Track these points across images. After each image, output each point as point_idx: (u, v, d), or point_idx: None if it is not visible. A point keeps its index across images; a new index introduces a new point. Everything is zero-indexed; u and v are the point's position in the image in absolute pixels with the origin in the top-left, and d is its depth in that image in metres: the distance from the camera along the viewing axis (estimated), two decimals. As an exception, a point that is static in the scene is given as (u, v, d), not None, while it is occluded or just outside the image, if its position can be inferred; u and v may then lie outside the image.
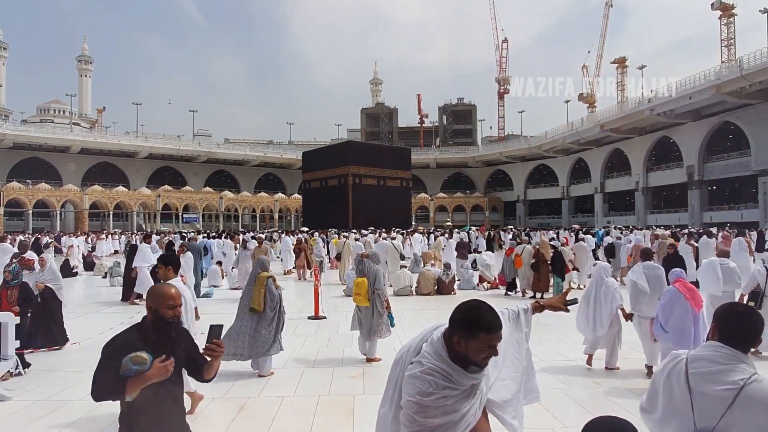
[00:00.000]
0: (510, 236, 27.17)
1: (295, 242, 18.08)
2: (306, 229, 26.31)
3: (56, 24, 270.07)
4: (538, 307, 2.63)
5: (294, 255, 17.63)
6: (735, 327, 2.01)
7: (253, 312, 6.06)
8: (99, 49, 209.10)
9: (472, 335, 1.87)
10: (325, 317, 9.61)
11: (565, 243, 16.02)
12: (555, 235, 23.37)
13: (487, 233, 31.73)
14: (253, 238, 19.37)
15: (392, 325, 7.04)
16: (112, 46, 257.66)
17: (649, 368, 6.02)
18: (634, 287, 6.17)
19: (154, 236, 18.30)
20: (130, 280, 11.75)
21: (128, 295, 11.82)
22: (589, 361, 6.44)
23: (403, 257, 16.24)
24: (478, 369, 1.94)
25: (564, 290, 2.67)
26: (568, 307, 2.69)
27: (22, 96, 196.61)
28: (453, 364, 1.89)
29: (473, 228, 38.17)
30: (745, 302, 6.37)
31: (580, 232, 23.42)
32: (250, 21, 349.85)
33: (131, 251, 12.17)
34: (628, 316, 6.23)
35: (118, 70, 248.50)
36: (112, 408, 4.83)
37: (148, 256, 11.60)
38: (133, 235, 24.60)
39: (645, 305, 6.10)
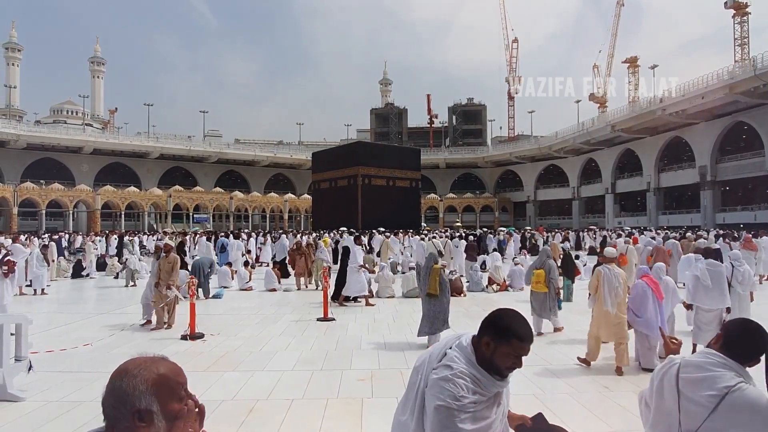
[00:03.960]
0: (613, 236, 26.57)
1: (294, 245, 16.82)
2: (344, 228, 26.17)
3: (69, 26, 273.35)
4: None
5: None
6: (741, 341, 2.08)
7: (430, 296, 7.52)
8: (111, 51, 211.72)
9: (504, 339, 1.85)
10: (333, 319, 9.63)
11: (635, 242, 16.55)
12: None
13: (546, 235, 31.38)
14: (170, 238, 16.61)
15: (559, 308, 8.89)
16: (124, 47, 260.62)
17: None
18: (696, 282, 7.06)
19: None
20: (340, 281, 11.80)
21: (337, 294, 11.70)
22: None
23: (441, 254, 16.44)
24: (500, 378, 1.91)
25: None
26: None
27: (35, 97, 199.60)
28: (481, 369, 1.87)
29: (505, 228, 37.46)
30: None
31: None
32: (262, 22, 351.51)
33: (344, 253, 12.24)
34: (689, 307, 7.21)
35: (130, 71, 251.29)
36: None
37: (359, 258, 11.78)
38: (329, 234, 23.66)
39: (704, 298, 7.00)
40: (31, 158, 59.12)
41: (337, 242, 22.49)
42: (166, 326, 8.98)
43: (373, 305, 11.44)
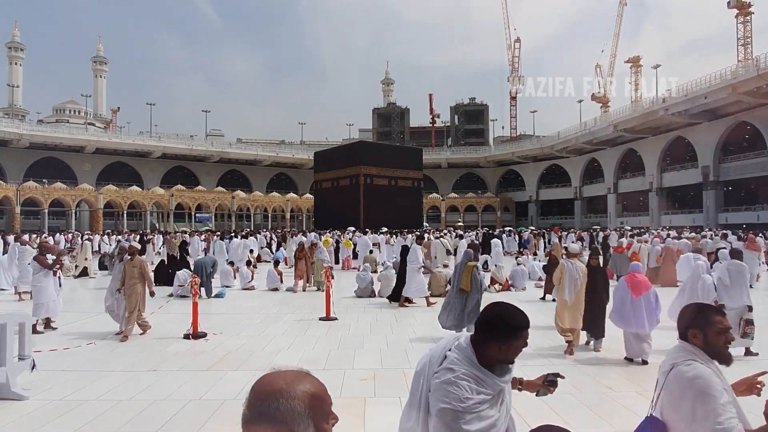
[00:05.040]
0: (623, 235, 26.83)
1: (298, 246, 16.38)
2: (353, 228, 26.07)
3: (71, 25, 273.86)
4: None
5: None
6: (680, 323, 2.29)
7: (462, 292, 7.75)
8: (114, 50, 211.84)
9: (515, 336, 1.90)
10: (336, 318, 9.62)
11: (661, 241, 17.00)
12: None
13: (560, 234, 31.31)
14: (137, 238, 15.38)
15: None
16: (126, 47, 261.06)
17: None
18: (719, 282, 7.33)
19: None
20: (400, 282, 11.59)
21: (397, 296, 11.50)
22: None
23: (449, 252, 16.74)
24: (508, 370, 1.96)
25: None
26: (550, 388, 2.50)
27: (38, 96, 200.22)
28: (483, 368, 1.89)
29: (523, 228, 37.16)
30: None
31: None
32: (265, 22, 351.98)
33: (403, 251, 12.01)
34: (721, 307, 7.44)
35: (132, 70, 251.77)
36: (127, 408, 4.91)
37: (420, 257, 11.55)
38: (400, 235, 23.05)
39: (725, 296, 7.22)
40: (34, 157, 59.24)
41: (338, 242, 22.50)
42: (123, 335, 8.08)
43: (433, 304, 11.01)
